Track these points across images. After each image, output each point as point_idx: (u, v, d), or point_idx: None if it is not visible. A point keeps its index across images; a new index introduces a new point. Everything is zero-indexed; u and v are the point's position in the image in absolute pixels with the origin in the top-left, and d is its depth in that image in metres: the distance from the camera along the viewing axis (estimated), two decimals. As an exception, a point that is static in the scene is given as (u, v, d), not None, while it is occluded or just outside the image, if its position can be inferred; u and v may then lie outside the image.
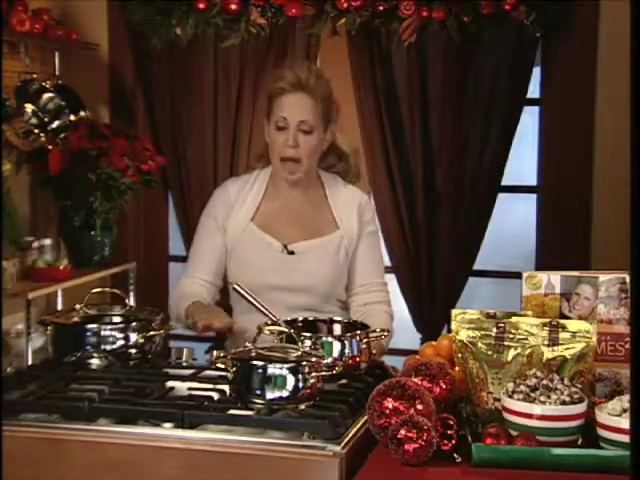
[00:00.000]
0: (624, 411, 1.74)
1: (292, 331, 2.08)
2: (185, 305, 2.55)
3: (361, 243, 2.70)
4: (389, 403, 1.80)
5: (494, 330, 1.91)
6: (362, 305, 2.68)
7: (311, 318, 2.38)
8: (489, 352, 1.90)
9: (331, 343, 2.16)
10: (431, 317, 4.11)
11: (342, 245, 2.67)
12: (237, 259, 2.66)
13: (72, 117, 4.02)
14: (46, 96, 3.96)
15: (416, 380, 1.90)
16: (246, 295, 2.33)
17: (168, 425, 1.89)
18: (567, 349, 1.89)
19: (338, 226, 2.68)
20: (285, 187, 2.70)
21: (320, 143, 2.65)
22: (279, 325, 2.18)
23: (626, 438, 1.70)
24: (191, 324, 2.49)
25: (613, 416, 1.75)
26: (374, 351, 2.26)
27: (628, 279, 2.03)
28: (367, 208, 2.76)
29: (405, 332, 4.12)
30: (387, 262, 4.22)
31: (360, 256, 2.70)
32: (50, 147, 3.83)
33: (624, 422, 1.72)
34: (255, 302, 2.32)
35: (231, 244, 2.67)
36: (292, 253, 2.63)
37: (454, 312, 1.97)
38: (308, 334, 2.16)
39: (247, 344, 1.99)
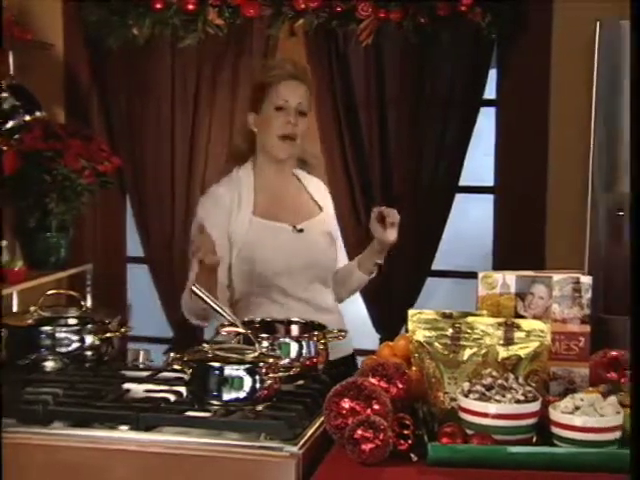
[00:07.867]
0: (576, 409, 1.76)
1: (249, 332, 2.07)
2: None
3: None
4: (346, 403, 1.81)
5: (450, 330, 1.93)
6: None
7: (269, 319, 2.38)
8: (445, 352, 1.92)
9: (288, 344, 2.16)
10: (389, 317, 4.12)
11: (327, 225, 2.88)
12: (248, 253, 2.69)
13: (27, 117, 3.97)
14: (0, 96, 3.91)
15: (373, 380, 1.90)
16: (204, 297, 2.31)
17: (124, 427, 1.88)
18: (522, 348, 1.91)
19: (321, 209, 2.88)
20: (271, 176, 2.79)
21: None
22: (236, 326, 2.17)
23: (578, 435, 1.73)
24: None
25: (566, 414, 1.76)
26: None
27: (582, 279, 2.06)
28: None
29: (364, 332, 4.13)
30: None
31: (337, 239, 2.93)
32: (5, 148, 3.78)
33: (576, 420, 1.74)
34: (212, 303, 2.30)
35: (240, 241, 2.70)
36: (301, 231, 2.76)
37: (410, 312, 1.98)
38: (265, 335, 2.16)
39: (204, 345, 1.98)
